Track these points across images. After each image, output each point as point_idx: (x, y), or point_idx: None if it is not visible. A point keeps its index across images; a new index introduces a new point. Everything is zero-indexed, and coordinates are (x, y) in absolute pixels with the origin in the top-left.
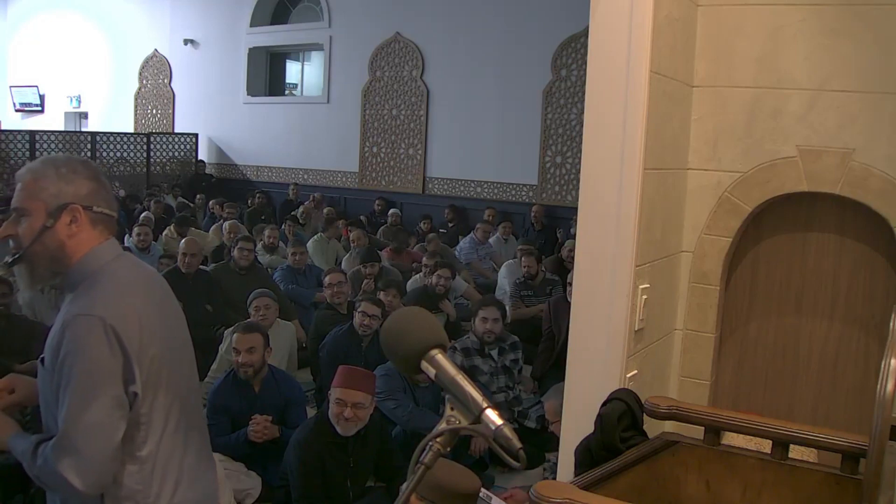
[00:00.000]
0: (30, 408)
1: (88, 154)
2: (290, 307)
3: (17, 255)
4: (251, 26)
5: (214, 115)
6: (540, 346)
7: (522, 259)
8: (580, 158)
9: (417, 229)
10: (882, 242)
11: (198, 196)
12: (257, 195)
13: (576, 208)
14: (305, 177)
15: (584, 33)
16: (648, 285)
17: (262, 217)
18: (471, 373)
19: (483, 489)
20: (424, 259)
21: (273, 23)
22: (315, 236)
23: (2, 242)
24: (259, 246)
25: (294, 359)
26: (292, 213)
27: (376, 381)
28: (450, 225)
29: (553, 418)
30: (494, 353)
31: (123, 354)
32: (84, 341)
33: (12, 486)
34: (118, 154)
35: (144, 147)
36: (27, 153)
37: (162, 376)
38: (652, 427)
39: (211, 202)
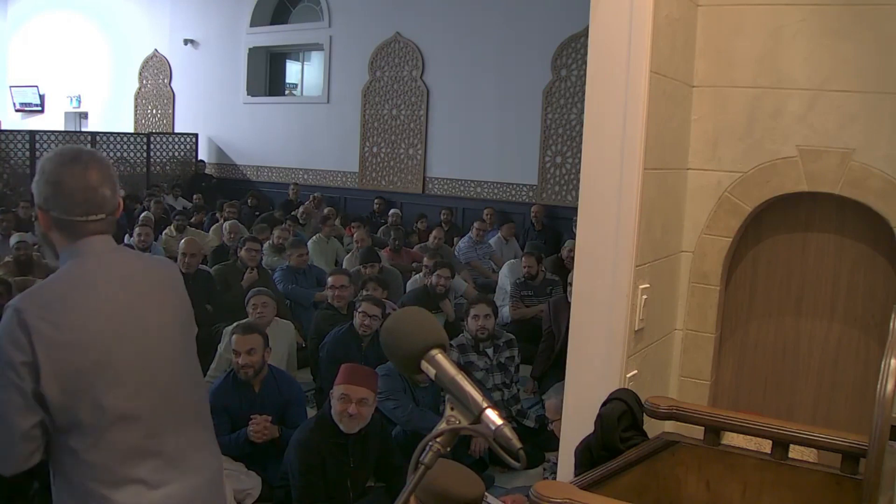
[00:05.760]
0: None
1: None
2: (286, 310)
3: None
4: (251, 26)
5: (214, 115)
6: (540, 346)
7: (523, 259)
8: (580, 158)
9: (415, 228)
10: (882, 242)
11: (195, 196)
12: (249, 196)
13: (576, 208)
14: (305, 177)
15: (584, 33)
16: (648, 285)
17: (257, 215)
18: (466, 369)
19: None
20: (424, 259)
21: (273, 23)
22: (315, 236)
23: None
24: (266, 245)
25: (294, 359)
26: (292, 213)
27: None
28: (445, 228)
29: (554, 417)
30: (490, 350)
31: (32, 352)
32: (2, 329)
33: (12, 486)
34: (118, 154)
35: (144, 147)
36: (27, 153)
37: (113, 372)
38: (652, 427)
39: (219, 203)
